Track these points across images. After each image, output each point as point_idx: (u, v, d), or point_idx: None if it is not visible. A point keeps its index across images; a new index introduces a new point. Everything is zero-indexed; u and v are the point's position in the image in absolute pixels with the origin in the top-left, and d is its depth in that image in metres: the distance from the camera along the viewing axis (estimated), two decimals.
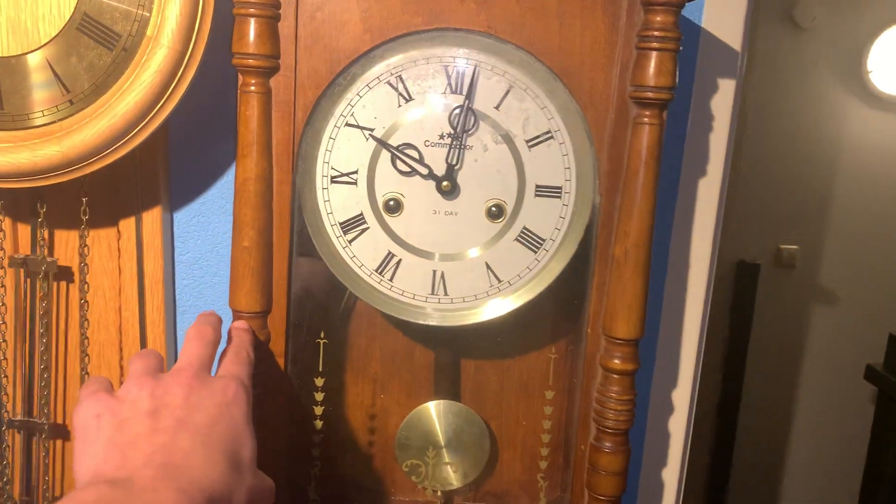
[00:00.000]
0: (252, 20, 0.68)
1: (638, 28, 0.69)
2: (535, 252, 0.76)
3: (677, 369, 0.97)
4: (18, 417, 0.88)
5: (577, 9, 0.70)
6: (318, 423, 0.83)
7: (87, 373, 0.88)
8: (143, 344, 0.89)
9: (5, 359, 0.86)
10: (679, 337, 0.96)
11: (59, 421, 0.89)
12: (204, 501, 0.48)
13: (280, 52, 0.69)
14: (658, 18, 0.68)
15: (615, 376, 0.74)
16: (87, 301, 0.86)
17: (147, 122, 0.74)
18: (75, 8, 0.71)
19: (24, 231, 0.85)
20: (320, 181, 0.74)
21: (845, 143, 2.75)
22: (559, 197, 0.75)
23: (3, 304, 0.85)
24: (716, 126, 0.90)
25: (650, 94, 0.69)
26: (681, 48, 0.69)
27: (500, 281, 0.77)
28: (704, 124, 0.90)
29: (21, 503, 0.89)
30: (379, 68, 0.72)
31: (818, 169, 2.77)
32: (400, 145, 0.73)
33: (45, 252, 0.84)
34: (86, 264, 0.86)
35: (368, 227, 0.75)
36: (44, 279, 0.84)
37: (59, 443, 0.90)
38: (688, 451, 1.01)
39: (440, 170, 0.74)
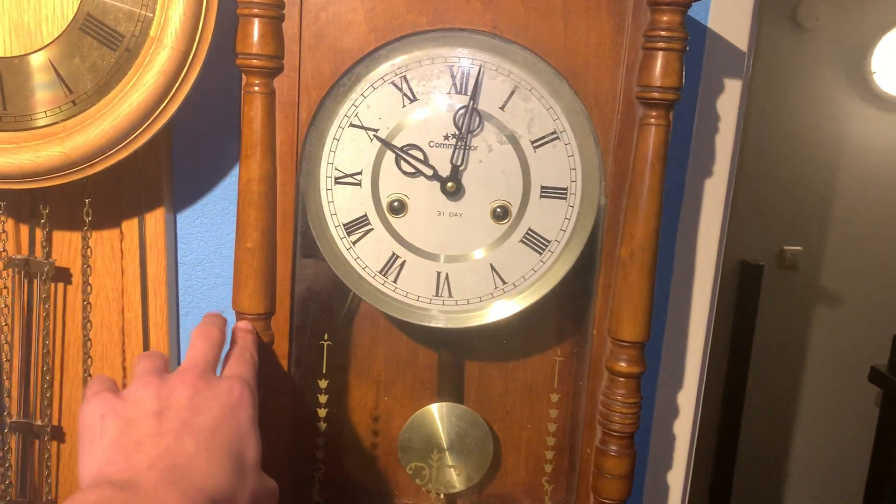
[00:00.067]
0: (256, 20, 0.67)
1: (644, 28, 0.69)
2: (541, 253, 0.76)
3: (683, 372, 0.97)
4: (21, 420, 0.87)
5: (583, 9, 0.70)
6: (322, 426, 0.82)
7: (90, 375, 0.87)
8: (146, 346, 0.88)
9: (8, 361, 0.86)
10: (685, 339, 0.96)
11: (63, 423, 0.89)
12: None
13: (284, 53, 0.69)
14: (664, 18, 0.67)
15: (621, 379, 0.74)
16: (89, 303, 0.86)
17: (150, 123, 0.73)
18: (78, 8, 0.71)
19: (27, 232, 0.85)
20: (324, 182, 0.73)
21: (848, 144, 2.74)
22: (564, 198, 0.74)
23: (6, 306, 0.85)
24: (722, 127, 0.90)
25: (656, 95, 0.69)
26: (687, 48, 0.68)
27: (504, 283, 0.76)
28: (710, 125, 0.90)
29: None
30: (383, 68, 0.72)
31: (821, 170, 2.76)
32: (404, 146, 0.73)
33: (48, 254, 0.84)
34: (88, 266, 0.85)
35: (372, 229, 0.75)
36: (46, 281, 0.84)
37: (61, 445, 0.89)
38: (693, 454, 1.00)
39: (445, 170, 0.73)
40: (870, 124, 2.72)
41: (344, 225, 0.75)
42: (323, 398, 0.81)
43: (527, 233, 0.75)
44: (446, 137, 0.73)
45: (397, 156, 0.73)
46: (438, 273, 0.76)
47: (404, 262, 0.76)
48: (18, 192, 0.77)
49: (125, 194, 0.85)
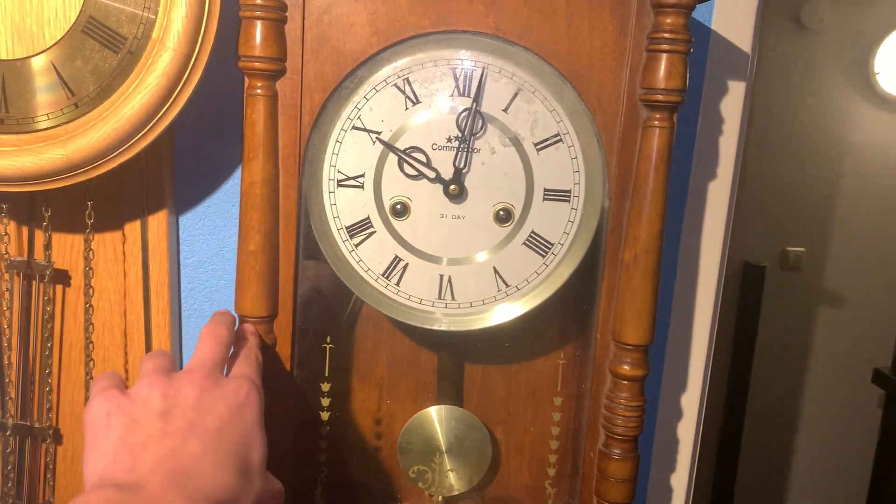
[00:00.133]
0: (258, 23, 0.67)
1: (647, 30, 0.69)
2: (544, 256, 0.75)
3: (686, 374, 0.96)
4: (22, 422, 0.87)
5: (586, 11, 0.70)
6: (325, 429, 0.82)
7: (92, 377, 0.87)
8: (148, 348, 0.88)
9: (10, 363, 0.86)
10: (688, 342, 0.95)
11: (63, 426, 0.89)
12: None
13: (286, 55, 0.69)
14: (668, 20, 0.67)
15: (624, 382, 0.74)
16: (91, 305, 0.86)
17: (152, 126, 0.73)
18: (80, 11, 0.71)
19: (29, 235, 0.85)
20: (327, 185, 0.73)
21: (852, 145, 2.74)
22: (568, 201, 0.74)
23: (8, 309, 0.85)
24: (726, 129, 0.89)
25: (660, 97, 0.68)
26: (691, 50, 0.68)
27: (507, 285, 0.76)
28: (714, 126, 0.89)
29: None
30: (386, 71, 0.72)
31: (824, 171, 2.76)
32: (407, 148, 0.73)
33: (50, 256, 0.84)
34: (91, 268, 0.85)
35: (375, 231, 0.74)
36: (48, 283, 0.84)
37: (62, 448, 0.89)
38: (696, 457, 1.00)
39: (447, 173, 0.73)
40: (873, 125, 2.71)
41: (346, 228, 0.74)
42: (325, 401, 0.81)
43: (530, 235, 0.75)
44: (449, 140, 0.73)
45: (400, 158, 0.73)
46: (441, 276, 0.76)
47: (407, 264, 0.75)
48: (21, 194, 0.77)
49: (127, 197, 0.85)
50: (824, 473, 3.00)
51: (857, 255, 2.82)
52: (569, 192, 0.74)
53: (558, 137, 0.73)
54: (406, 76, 0.72)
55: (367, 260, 0.75)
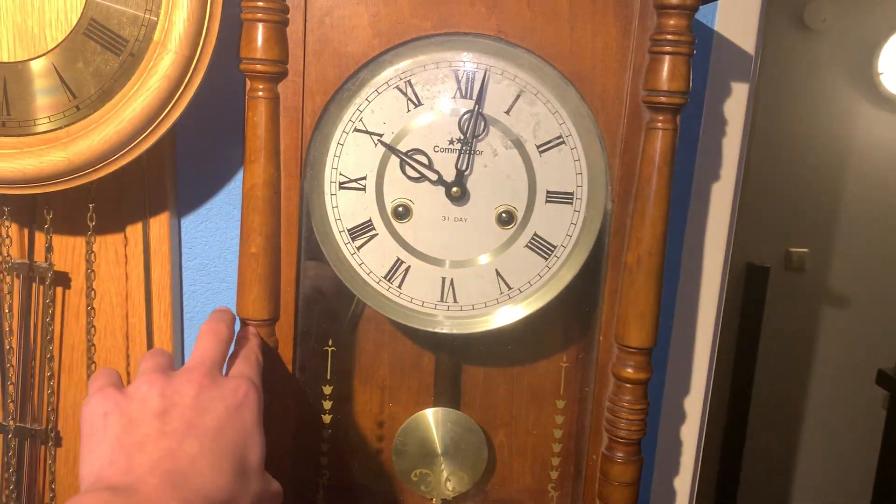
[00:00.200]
0: (260, 25, 0.67)
1: (650, 32, 0.68)
2: (546, 259, 0.75)
3: (689, 377, 0.96)
4: (23, 425, 0.87)
5: (589, 12, 0.69)
6: (327, 432, 0.82)
7: None
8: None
9: (12, 366, 0.86)
10: (692, 344, 0.95)
11: (66, 428, 0.89)
12: None
13: (288, 57, 0.69)
14: (671, 22, 0.67)
15: (627, 385, 0.73)
16: (93, 307, 0.86)
17: (154, 128, 0.73)
18: (82, 13, 0.71)
19: (31, 237, 0.85)
20: (328, 187, 0.73)
21: (855, 146, 2.73)
22: (570, 203, 0.74)
23: (9, 311, 0.85)
24: (729, 130, 0.89)
25: (663, 99, 0.68)
26: (694, 52, 0.68)
27: (510, 288, 0.76)
28: (717, 128, 0.89)
29: None
30: (388, 73, 0.71)
31: (828, 171, 2.75)
32: (409, 151, 0.72)
33: (51, 258, 0.84)
34: (92, 270, 0.85)
35: (377, 234, 0.74)
36: (50, 285, 0.84)
37: (63, 450, 0.89)
38: (700, 460, 0.99)
39: (450, 175, 0.73)
40: (877, 125, 2.71)
41: (348, 230, 0.74)
42: (327, 404, 0.81)
43: (532, 238, 0.75)
44: (451, 142, 0.72)
45: (402, 161, 0.72)
46: (443, 278, 0.75)
47: (409, 267, 0.75)
48: (22, 197, 0.77)
49: (129, 199, 0.85)
50: (828, 475, 2.99)
51: (861, 256, 2.81)
52: (571, 194, 0.74)
53: (561, 139, 0.73)
54: (408, 78, 0.71)
55: (369, 262, 0.75)
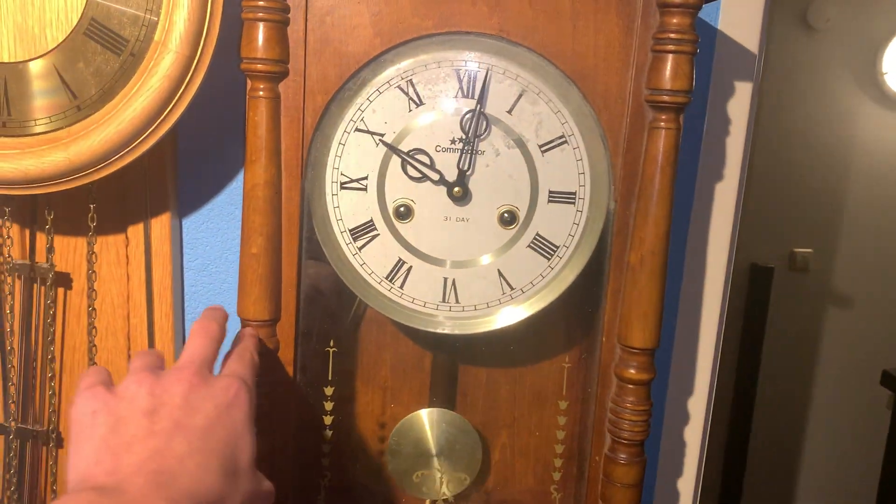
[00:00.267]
0: (261, 24, 0.67)
1: (653, 30, 0.68)
2: (549, 259, 0.75)
3: (693, 377, 0.95)
4: (24, 426, 0.87)
5: (591, 11, 0.69)
6: (328, 433, 0.81)
7: None
8: None
9: (13, 367, 0.86)
10: (695, 344, 0.94)
11: (67, 429, 0.88)
12: None
13: (289, 57, 0.68)
14: (674, 21, 0.67)
15: (630, 386, 0.73)
16: (94, 308, 0.86)
17: (155, 128, 0.73)
18: (83, 13, 0.70)
19: (33, 238, 0.84)
20: (330, 187, 0.73)
21: (859, 146, 2.72)
22: (573, 203, 0.74)
23: (10, 312, 0.84)
24: (732, 129, 0.88)
25: (666, 98, 0.68)
26: (697, 51, 0.67)
27: (512, 288, 0.75)
28: (721, 128, 0.88)
29: None
30: (389, 73, 0.71)
31: (832, 171, 2.74)
32: (410, 150, 0.72)
33: (52, 259, 0.84)
34: (94, 271, 0.85)
35: (378, 234, 0.74)
36: (51, 286, 0.84)
37: (64, 451, 0.89)
38: (703, 461, 0.99)
39: (451, 175, 0.72)
40: (881, 125, 2.70)
41: (350, 230, 0.74)
42: (329, 405, 0.81)
43: (535, 238, 0.74)
44: (453, 142, 0.72)
45: (403, 161, 0.72)
46: (445, 279, 0.75)
47: (411, 267, 0.75)
48: (23, 197, 0.76)
49: (130, 199, 0.84)
50: (832, 476, 2.98)
51: (865, 256, 2.80)
52: (574, 193, 0.73)
53: (563, 139, 0.72)
54: (409, 78, 0.71)
55: (371, 263, 0.75)
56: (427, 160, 0.72)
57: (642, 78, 0.69)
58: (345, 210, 0.73)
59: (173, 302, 0.87)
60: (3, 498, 0.87)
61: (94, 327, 0.86)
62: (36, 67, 0.71)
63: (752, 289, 2.77)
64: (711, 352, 0.95)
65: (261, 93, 0.68)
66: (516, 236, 0.74)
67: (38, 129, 0.72)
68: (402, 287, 0.75)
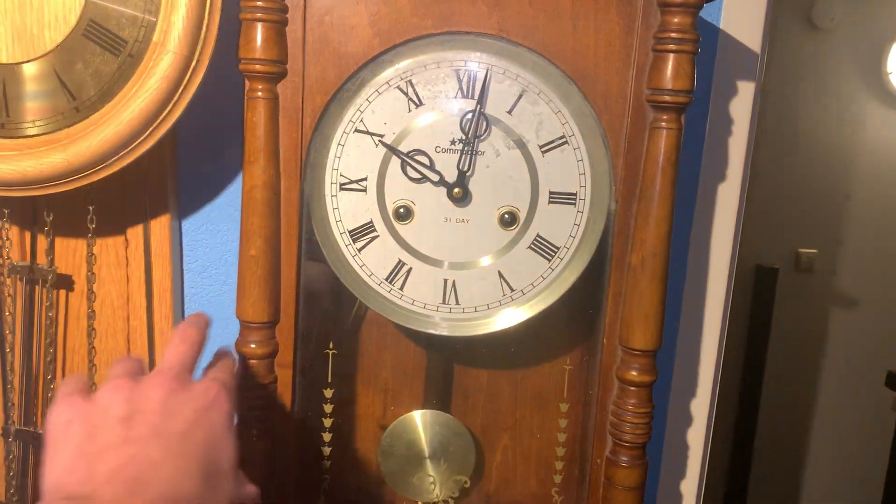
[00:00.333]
0: (259, 25, 0.66)
1: (654, 30, 0.68)
2: (549, 260, 0.74)
3: (696, 379, 0.95)
4: (24, 428, 0.87)
5: (591, 10, 0.69)
6: (327, 435, 0.81)
7: (94, 383, 0.87)
8: (152, 354, 0.88)
9: (12, 370, 0.85)
10: (698, 346, 0.94)
11: None
12: None
13: (287, 57, 0.68)
14: (675, 20, 0.66)
15: (632, 388, 0.72)
16: (93, 310, 0.85)
17: (153, 129, 0.72)
18: (81, 14, 0.70)
19: (32, 240, 0.84)
20: (329, 188, 0.72)
21: (864, 146, 2.71)
22: (574, 204, 0.73)
23: (10, 314, 0.84)
24: (735, 130, 0.88)
25: (667, 98, 0.67)
26: (699, 50, 0.67)
27: (512, 290, 0.75)
28: (723, 128, 0.88)
29: None
30: (388, 73, 0.71)
31: (837, 172, 2.73)
32: (410, 151, 0.72)
33: (52, 261, 0.83)
34: (93, 273, 0.84)
35: (378, 235, 0.74)
36: (50, 288, 0.83)
37: None
38: (707, 463, 0.98)
39: (451, 176, 0.72)
40: (886, 125, 2.68)
41: (349, 232, 0.73)
42: (328, 407, 0.80)
43: (535, 239, 0.74)
44: (453, 142, 0.72)
45: (403, 161, 0.72)
46: (445, 280, 0.75)
47: (411, 269, 0.74)
48: (22, 199, 0.76)
49: (130, 201, 0.84)
50: (838, 477, 2.96)
51: (870, 256, 2.78)
52: (575, 194, 0.73)
53: (564, 139, 0.72)
54: (409, 78, 0.71)
55: (371, 264, 0.74)
56: (427, 161, 0.72)
57: (643, 78, 0.69)
58: (344, 211, 0.73)
59: (173, 304, 0.87)
60: (5, 500, 0.87)
61: (94, 329, 0.86)
62: (34, 69, 0.71)
63: (756, 289, 2.76)
64: (714, 353, 0.94)
65: (259, 93, 0.68)
66: (517, 237, 0.74)
67: (36, 131, 0.72)
68: (402, 289, 0.75)
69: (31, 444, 0.87)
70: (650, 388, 0.73)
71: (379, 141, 0.71)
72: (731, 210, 0.90)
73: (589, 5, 0.68)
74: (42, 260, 0.84)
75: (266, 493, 0.72)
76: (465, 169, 0.72)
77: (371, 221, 0.73)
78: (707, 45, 0.85)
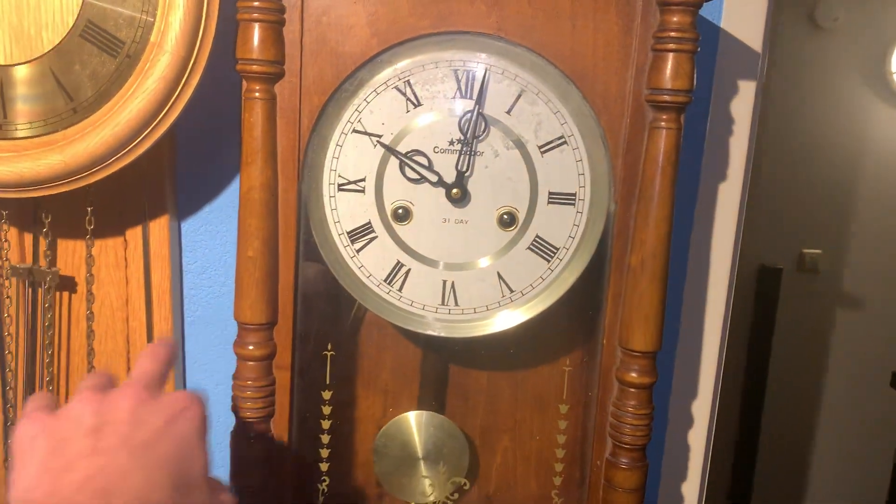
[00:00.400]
0: (256, 25, 0.66)
1: (653, 29, 0.67)
2: (549, 261, 0.74)
3: (697, 380, 0.94)
4: None
5: (590, 10, 0.68)
6: (326, 438, 0.81)
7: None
8: None
9: (11, 371, 0.85)
10: (699, 347, 0.93)
11: None
12: None
13: (285, 58, 0.68)
14: (675, 19, 0.66)
15: (632, 390, 0.72)
16: (92, 312, 0.85)
17: (151, 130, 0.72)
18: (79, 14, 0.70)
19: (30, 241, 0.84)
20: (327, 189, 0.72)
21: (868, 145, 2.70)
22: (573, 204, 0.73)
23: (9, 316, 0.84)
24: (736, 129, 0.87)
25: (667, 98, 0.67)
26: (698, 49, 0.66)
27: (512, 291, 0.74)
28: (724, 127, 0.87)
29: None
30: (386, 73, 0.70)
31: (841, 171, 2.72)
32: (408, 152, 0.71)
33: (51, 263, 0.83)
34: (91, 274, 0.84)
35: (377, 236, 0.73)
36: (49, 290, 0.83)
37: None
38: (708, 465, 0.98)
39: (450, 177, 0.72)
40: (890, 125, 2.67)
41: (347, 233, 0.73)
42: (327, 409, 0.80)
43: (534, 240, 0.73)
44: (451, 143, 0.71)
45: (401, 162, 0.71)
46: (444, 281, 0.74)
47: (409, 270, 0.74)
48: (21, 201, 0.76)
49: (129, 202, 0.84)
50: (842, 478, 2.95)
51: (875, 256, 2.77)
52: (574, 195, 0.72)
53: (563, 139, 0.71)
54: (407, 78, 0.70)
55: (369, 265, 0.74)
56: (425, 161, 0.71)
57: (642, 77, 0.68)
58: (342, 212, 0.73)
59: (172, 305, 0.87)
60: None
61: (93, 331, 0.86)
62: (32, 70, 0.71)
63: (760, 290, 2.75)
64: (716, 354, 0.93)
65: (256, 94, 0.67)
66: (516, 238, 0.73)
67: (33, 132, 0.72)
68: (400, 290, 0.74)
69: None
70: (650, 390, 0.72)
71: (377, 141, 0.71)
72: (732, 210, 0.90)
73: (588, 5, 0.68)
74: (41, 261, 0.84)
75: (264, 495, 0.72)
76: (464, 169, 0.72)
77: (369, 222, 0.73)
78: (708, 44, 0.85)
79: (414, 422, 0.82)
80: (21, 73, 0.71)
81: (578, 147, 0.72)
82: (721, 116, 0.87)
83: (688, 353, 0.93)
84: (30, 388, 0.87)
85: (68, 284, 0.86)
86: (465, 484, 0.83)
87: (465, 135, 0.71)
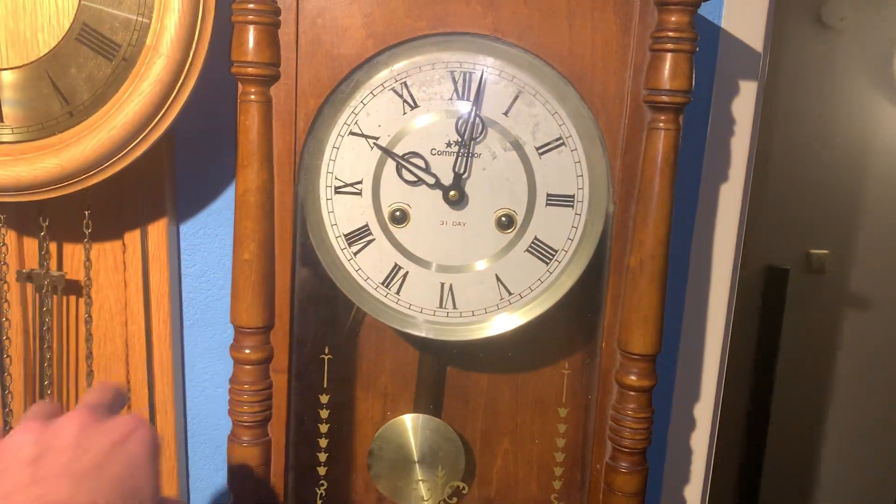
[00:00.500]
0: (251, 27, 0.66)
1: (651, 29, 0.66)
2: (547, 263, 0.73)
3: (699, 382, 0.93)
4: None
5: (588, 10, 0.68)
6: (323, 441, 0.80)
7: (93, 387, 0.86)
8: (150, 358, 0.87)
9: (9, 375, 0.85)
10: (701, 348, 0.92)
11: None
12: None
13: (280, 60, 0.67)
14: (673, 18, 0.65)
15: (631, 393, 0.71)
16: (90, 315, 0.85)
17: (148, 133, 0.72)
18: (74, 17, 0.70)
19: (29, 245, 0.84)
20: (324, 192, 0.72)
21: (875, 145, 2.68)
22: (571, 206, 0.72)
23: (8, 320, 0.84)
24: (737, 129, 0.87)
25: (665, 98, 0.66)
26: (697, 49, 0.66)
27: (510, 293, 0.74)
28: (725, 128, 0.86)
29: None
30: (383, 75, 0.70)
31: (848, 171, 2.70)
32: (405, 154, 0.71)
33: (48, 266, 0.83)
34: (90, 278, 0.84)
35: (374, 239, 0.73)
36: (47, 294, 0.83)
37: None
38: (711, 468, 0.97)
39: (447, 179, 0.71)
40: None
41: (345, 235, 0.73)
42: (324, 413, 0.80)
43: (533, 242, 0.73)
44: (448, 145, 0.71)
45: (398, 164, 0.71)
46: (442, 284, 0.74)
47: (407, 272, 0.74)
48: (18, 204, 0.76)
49: (127, 205, 0.84)
50: (850, 480, 2.93)
51: (882, 256, 2.75)
52: (572, 196, 0.72)
53: (561, 141, 0.71)
54: (403, 80, 0.70)
55: (366, 268, 0.73)
56: (422, 163, 0.71)
57: (640, 78, 0.68)
58: (339, 215, 0.72)
59: (171, 308, 0.87)
60: None
61: (91, 334, 0.85)
62: (28, 73, 0.71)
63: (767, 291, 2.73)
64: (718, 356, 0.93)
65: (252, 96, 0.67)
66: (514, 240, 0.73)
67: (29, 136, 0.72)
68: (398, 293, 0.74)
69: None
70: (650, 393, 0.72)
71: (374, 144, 0.71)
72: (734, 211, 0.89)
73: (585, 4, 0.67)
74: (39, 265, 0.83)
75: (261, 499, 0.72)
76: (462, 171, 0.71)
77: (367, 225, 0.73)
78: (708, 44, 0.84)
79: (410, 425, 0.82)
80: (17, 76, 0.70)
81: (576, 148, 0.71)
82: (722, 117, 0.86)
83: (690, 354, 0.92)
84: (29, 392, 0.87)
85: (67, 288, 0.85)
86: (463, 488, 0.82)
87: (462, 136, 0.71)
